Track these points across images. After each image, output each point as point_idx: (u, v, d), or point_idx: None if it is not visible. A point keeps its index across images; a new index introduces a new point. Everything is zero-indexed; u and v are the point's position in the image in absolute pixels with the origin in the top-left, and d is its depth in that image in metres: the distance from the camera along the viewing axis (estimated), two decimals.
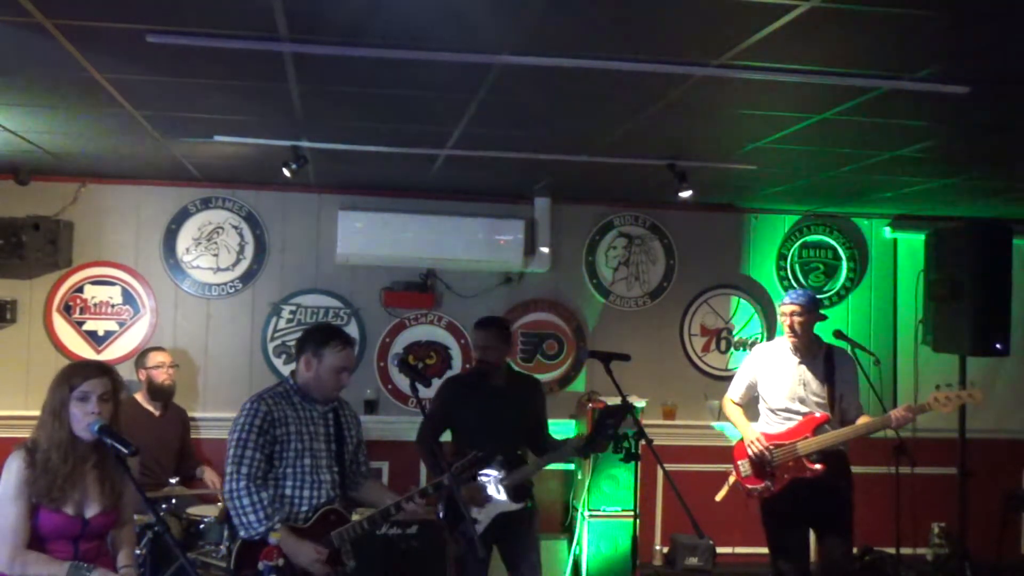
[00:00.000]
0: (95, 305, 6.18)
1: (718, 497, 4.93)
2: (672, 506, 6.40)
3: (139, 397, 5.58)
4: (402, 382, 6.41)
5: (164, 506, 4.87)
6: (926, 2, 2.55)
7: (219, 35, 3.01)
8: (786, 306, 4.77)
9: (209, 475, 5.56)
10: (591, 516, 5.99)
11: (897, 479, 4.82)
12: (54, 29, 2.97)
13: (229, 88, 3.77)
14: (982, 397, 4.69)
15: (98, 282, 6.19)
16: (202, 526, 4.82)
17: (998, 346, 5.69)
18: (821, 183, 5.57)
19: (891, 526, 5.03)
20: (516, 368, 5.06)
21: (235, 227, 6.33)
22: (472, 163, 5.15)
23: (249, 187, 6.31)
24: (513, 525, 4.51)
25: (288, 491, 3.54)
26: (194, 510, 4.98)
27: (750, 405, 5.01)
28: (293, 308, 6.38)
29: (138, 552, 4.29)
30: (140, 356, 5.73)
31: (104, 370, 3.11)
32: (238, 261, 6.33)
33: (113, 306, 6.19)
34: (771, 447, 4.72)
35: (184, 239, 6.27)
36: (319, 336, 3.64)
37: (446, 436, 4.71)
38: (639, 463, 4.38)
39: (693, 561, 6.38)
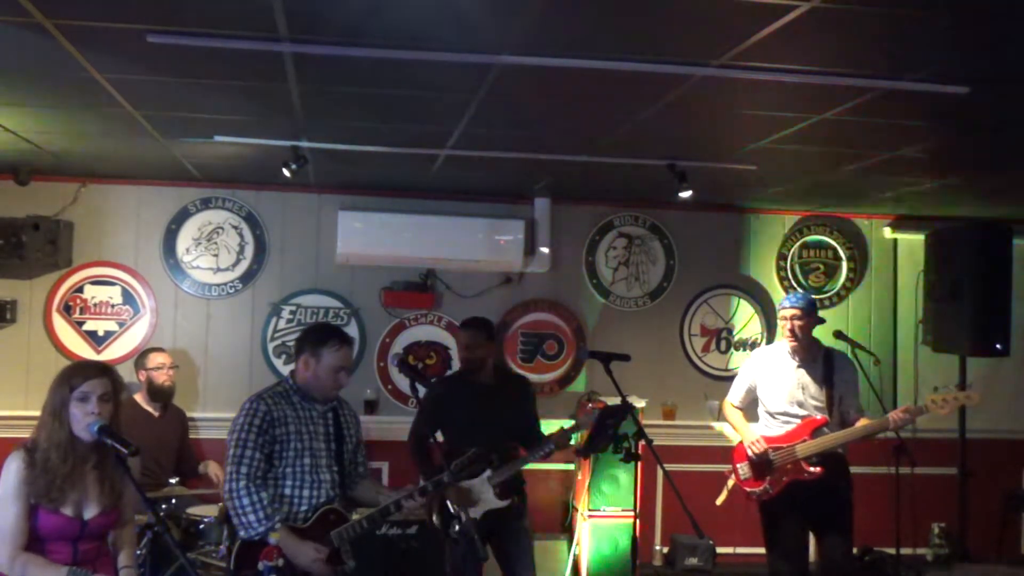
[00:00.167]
0: (95, 305, 6.18)
1: (718, 501, 4.94)
2: (672, 506, 6.40)
3: (139, 398, 5.58)
4: (402, 382, 6.41)
5: (164, 506, 4.87)
6: (926, 2, 2.55)
7: (219, 35, 3.01)
8: (786, 310, 4.77)
9: (213, 468, 5.54)
10: (591, 516, 5.99)
11: (897, 479, 4.83)
12: (54, 29, 2.97)
13: (229, 88, 3.77)
14: (979, 399, 4.69)
15: (98, 282, 6.19)
16: (202, 526, 4.82)
17: (998, 346, 5.70)
18: (821, 183, 5.57)
19: (891, 526, 5.03)
20: (505, 367, 5.09)
21: (235, 227, 6.33)
22: (472, 163, 5.15)
23: (249, 187, 6.31)
24: (502, 522, 4.52)
25: (288, 491, 3.54)
26: (194, 510, 4.97)
27: (750, 408, 5.01)
28: (293, 308, 6.38)
29: (138, 552, 4.28)
30: (140, 357, 5.73)
31: (104, 370, 3.11)
32: (238, 261, 6.33)
33: (113, 306, 6.19)
34: (770, 450, 4.72)
35: (184, 239, 6.27)
36: (317, 336, 3.64)
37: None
38: (639, 463, 4.38)
39: (693, 561, 6.38)
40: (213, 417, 6.11)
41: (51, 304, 6.11)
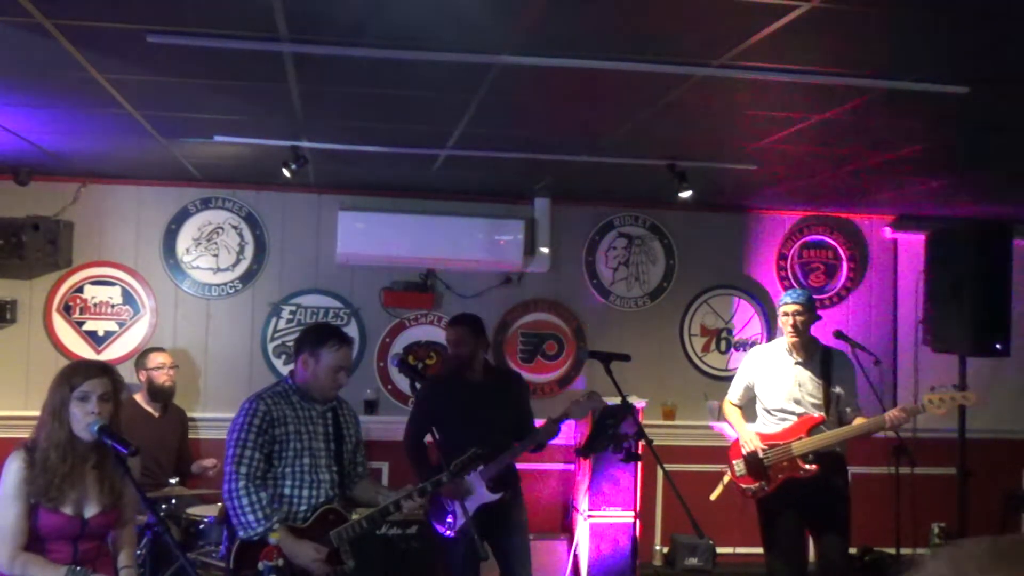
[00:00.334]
0: (95, 305, 6.18)
1: (712, 497, 4.93)
2: (672, 506, 6.39)
3: (139, 398, 5.58)
4: (402, 382, 6.40)
5: (164, 506, 4.87)
6: (926, 2, 2.55)
7: (219, 35, 3.01)
8: (788, 305, 4.77)
9: (202, 463, 5.55)
10: (591, 516, 5.99)
11: (897, 479, 4.82)
12: (54, 29, 2.97)
13: (229, 88, 3.77)
14: (976, 399, 4.70)
15: (98, 282, 6.19)
16: (202, 526, 4.82)
17: (998, 346, 5.69)
18: (821, 183, 5.57)
19: (891, 526, 5.02)
20: (498, 364, 5.08)
21: (235, 227, 6.33)
22: (472, 163, 5.15)
23: (249, 187, 6.31)
24: (497, 517, 4.52)
25: (287, 491, 3.54)
26: (194, 510, 4.98)
27: (749, 406, 5.02)
28: (293, 308, 6.38)
29: (138, 552, 4.28)
30: (140, 357, 5.73)
31: (104, 370, 3.11)
32: (238, 261, 6.33)
33: (113, 306, 6.19)
34: (766, 447, 4.73)
35: (184, 239, 6.27)
36: (316, 336, 3.64)
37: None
38: (639, 463, 4.38)
39: (693, 561, 6.38)
40: (213, 417, 6.11)
41: (51, 304, 6.11)
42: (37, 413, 3.10)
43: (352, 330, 6.33)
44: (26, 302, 6.08)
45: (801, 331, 4.73)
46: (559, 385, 6.64)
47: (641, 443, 4.29)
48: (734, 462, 4.88)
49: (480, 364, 4.72)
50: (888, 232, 6.93)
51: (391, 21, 2.83)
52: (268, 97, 3.88)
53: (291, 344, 6.11)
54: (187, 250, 6.27)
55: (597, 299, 6.69)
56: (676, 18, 2.75)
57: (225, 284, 6.31)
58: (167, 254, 6.25)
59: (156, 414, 5.58)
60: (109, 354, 6.10)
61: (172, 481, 5.11)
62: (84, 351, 6.09)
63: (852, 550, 6.41)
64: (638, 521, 5.22)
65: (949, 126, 4.03)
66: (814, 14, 2.63)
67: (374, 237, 6.15)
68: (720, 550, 6.47)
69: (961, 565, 0.90)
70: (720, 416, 6.00)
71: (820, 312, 5.08)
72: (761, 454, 4.72)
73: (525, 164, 5.15)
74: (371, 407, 6.35)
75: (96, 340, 6.17)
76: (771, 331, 6.75)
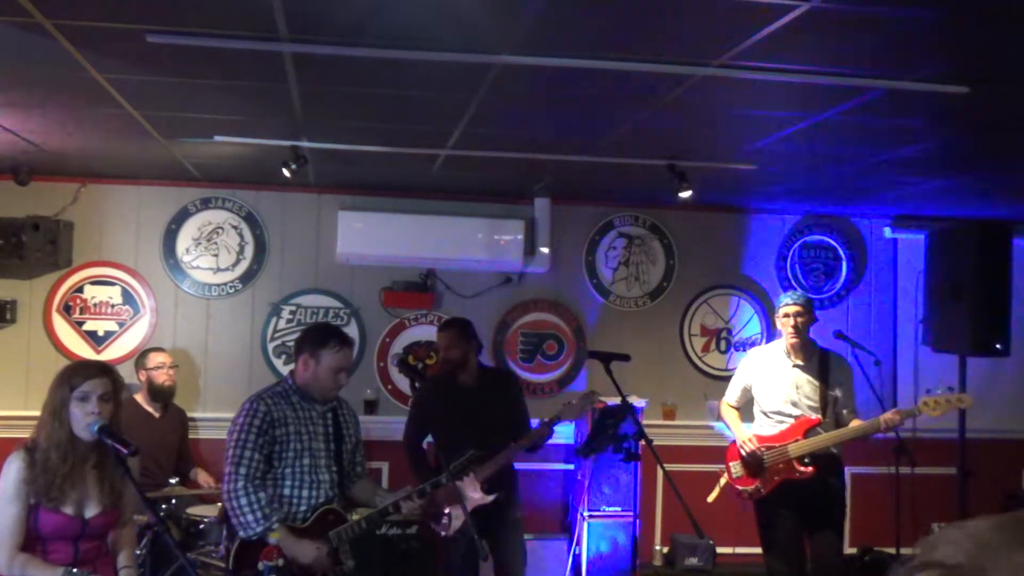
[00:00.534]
0: (95, 305, 6.18)
1: (710, 499, 4.93)
2: (672, 506, 6.39)
3: (139, 398, 5.58)
4: (402, 382, 6.40)
5: (163, 507, 4.87)
6: (926, 2, 2.55)
7: (219, 35, 3.01)
8: (789, 306, 4.78)
9: (203, 477, 5.57)
10: (591, 516, 5.99)
11: (897, 479, 4.83)
12: (54, 29, 2.97)
13: (229, 88, 3.77)
14: (971, 401, 4.71)
15: (98, 282, 6.18)
16: (201, 526, 4.82)
17: (998, 346, 5.69)
18: (821, 183, 5.57)
19: (891, 526, 5.03)
20: (492, 365, 5.07)
21: (235, 227, 6.33)
22: (472, 163, 5.15)
23: (249, 187, 6.31)
24: (490, 514, 4.52)
25: (287, 491, 3.54)
26: (194, 510, 4.98)
27: (747, 408, 5.03)
28: (293, 308, 6.38)
29: (138, 552, 4.29)
30: (140, 357, 5.73)
31: (105, 370, 3.11)
32: (238, 261, 6.32)
33: (113, 306, 6.19)
34: (763, 448, 4.73)
35: (184, 239, 6.27)
36: (316, 336, 3.64)
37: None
38: (639, 463, 4.38)
39: (693, 561, 6.38)
40: (213, 417, 6.11)
41: (51, 304, 6.11)
42: (37, 413, 3.10)
43: (352, 330, 6.32)
44: (26, 302, 6.08)
45: (801, 332, 4.74)
46: (559, 385, 6.63)
47: (641, 443, 4.29)
48: (731, 464, 4.89)
49: (474, 366, 4.73)
50: (888, 232, 6.92)
51: (391, 21, 2.83)
52: (268, 97, 3.88)
53: (291, 344, 6.10)
54: (187, 250, 6.27)
55: (597, 299, 6.69)
56: (676, 18, 2.75)
57: (225, 284, 6.31)
58: (167, 254, 6.24)
59: (156, 414, 5.58)
60: (109, 354, 6.09)
61: (172, 481, 5.11)
62: (84, 351, 6.09)
63: (852, 550, 6.43)
64: (638, 521, 5.22)
65: (949, 126, 4.03)
66: (814, 14, 2.63)
67: (374, 237, 6.15)
68: (720, 550, 6.46)
69: (982, 536, 0.85)
70: (719, 417, 6.01)
71: (820, 312, 5.09)
72: (759, 455, 4.72)
73: (525, 164, 5.15)
74: (371, 407, 6.35)
75: (96, 340, 6.17)
76: (771, 331, 6.74)
